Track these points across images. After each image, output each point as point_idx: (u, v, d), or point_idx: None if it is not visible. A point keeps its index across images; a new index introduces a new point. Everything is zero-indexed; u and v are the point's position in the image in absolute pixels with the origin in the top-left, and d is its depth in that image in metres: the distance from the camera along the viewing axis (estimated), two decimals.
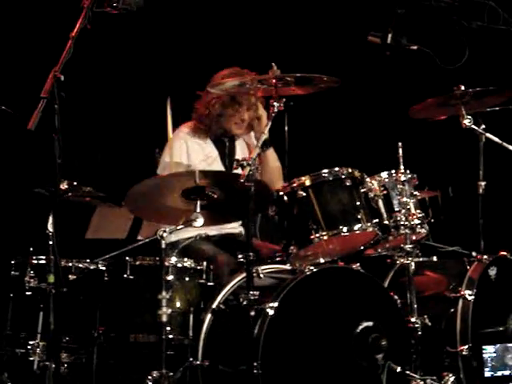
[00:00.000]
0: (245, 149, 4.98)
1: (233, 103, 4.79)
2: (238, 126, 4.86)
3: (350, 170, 4.35)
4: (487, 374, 4.40)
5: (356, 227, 4.28)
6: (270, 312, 4.01)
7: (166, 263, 4.16)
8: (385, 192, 4.41)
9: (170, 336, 4.14)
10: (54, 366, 3.60)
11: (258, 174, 4.80)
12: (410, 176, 4.47)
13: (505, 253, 4.64)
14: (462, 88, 4.53)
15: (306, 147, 5.66)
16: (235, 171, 4.65)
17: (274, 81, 4.16)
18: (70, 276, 4.21)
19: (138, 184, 4.14)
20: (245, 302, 3.98)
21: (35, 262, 4.21)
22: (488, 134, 4.59)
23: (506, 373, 4.45)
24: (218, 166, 4.86)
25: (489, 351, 4.40)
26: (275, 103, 4.15)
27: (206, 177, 4.15)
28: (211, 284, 4.32)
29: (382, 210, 4.39)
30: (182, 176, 4.34)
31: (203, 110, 4.85)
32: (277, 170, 4.90)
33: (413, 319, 4.32)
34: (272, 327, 4.00)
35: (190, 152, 4.83)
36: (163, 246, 4.07)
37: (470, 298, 4.43)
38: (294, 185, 4.31)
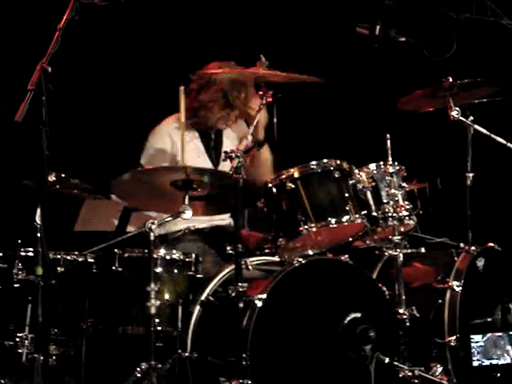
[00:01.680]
0: (234, 139, 4.95)
1: (226, 106, 4.77)
2: (223, 122, 4.85)
3: (338, 162, 4.35)
4: (475, 363, 4.43)
5: (344, 219, 4.28)
6: (259, 304, 4.02)
7: (155, 255, 4.16)
8: (373, 184, 4.42)
9: (159, 328, 4.14)
10: (42, 358, 3.60)
11: (247, 165, 4.80)
12: (398, 168, 4.48)
13: (492, 244, 4.66)
14: (450, 80, 4.54)
15: (294, 139, 5.66)
16: (223, 163, 4.67)
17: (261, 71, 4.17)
18: (58, 268, 4.20)
19: (126, 174, 4.15)
20: (233, 294, 3.99)
21: (23, 254, 4.19)
22: (476, 126, 4.60)
23: (495, 362, 4.47)
24: (204, 160, 4.85)
25: (477, 341, 4.42)
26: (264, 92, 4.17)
27: (196, 173, 4.16)
28: (200, 276, 4.32)
29: (371, 201, 4.40)
30: (171, 170, 4.34)
31: (193, 103, 4.82)
32: (267, 161, 4.89)
33: (401, 310, 4.34)
34: (260, 319, 4.00)
35: (176, 145, 4.82)
36: (152, 238, 4.07)
37: (457, 289, 4.45)
38: (283, 177, 4.31)
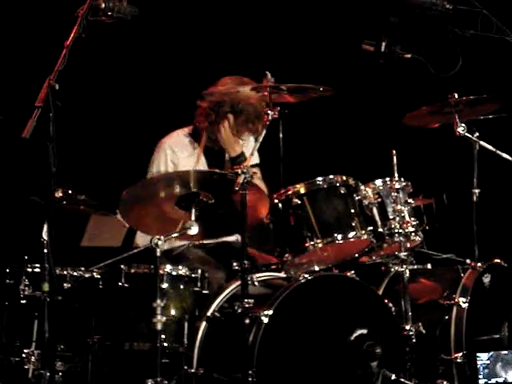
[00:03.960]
0: None
1: (255, 119, 4.75)
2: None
3: (344, 178, 4.36)
4: (481, 381, 4.41)
5: (350, 235, 4.29)
6: (265, 320, 4.02)
7: (161, 271, 4.17)
8: (379, 200, 4.42)
9: (165, 344, 4.14)
10: (48, 374, 3.60)
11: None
12: (404, 183, 4.48)
13: (498, 260, 4.65)
14: (456, 96, 4.55)
15: (300, 155, 5.67)
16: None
17: (267, 89, 4.18)
18: (64, 284, 4.20)
19: (130, 187, 4.15)
20: (239, 310, 4.00)
21: (30, 270, 4.20)
22: (482, 142, 4.61)
23: (500, 380, 4.45)
24: None
25: (483, 359, 4.40)
26: (269, 111, 4.17)
27: (200, 177, 4.15)
28: (206, 292, 4.33)
29: (377, 217, 4.40)
30: (174, 179, 4.32)
31: (206, 122, 4.81)
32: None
33: (407, 327, 4.33)
34: (267, 335, 4.00)
35: (178, 160, 4.82)
36: (158, 253, 4.07)
37: (464, 305, 4.44)
38: (289, 192, 4.32)
